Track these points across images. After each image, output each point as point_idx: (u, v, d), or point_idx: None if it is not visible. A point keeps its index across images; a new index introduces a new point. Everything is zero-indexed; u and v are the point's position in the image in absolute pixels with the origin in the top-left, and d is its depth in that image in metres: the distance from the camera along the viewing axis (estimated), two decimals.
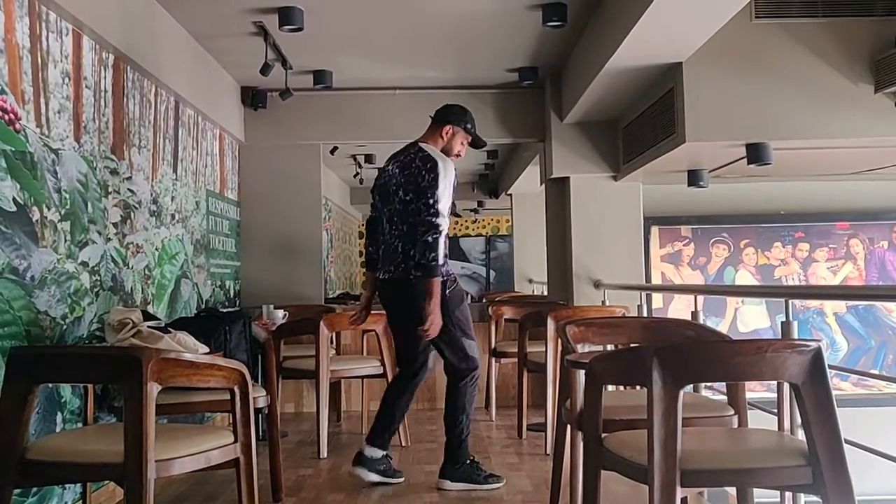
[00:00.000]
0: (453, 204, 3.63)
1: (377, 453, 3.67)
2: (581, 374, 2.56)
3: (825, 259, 8.96)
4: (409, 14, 4.59)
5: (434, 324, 3.44)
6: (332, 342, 4.80)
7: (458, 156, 3.72)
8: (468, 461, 3.65)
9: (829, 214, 8.91)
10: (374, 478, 3.66)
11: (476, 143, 3.79)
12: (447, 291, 3.53)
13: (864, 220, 8.89)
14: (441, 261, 3.47)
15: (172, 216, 4.48)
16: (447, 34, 4.96)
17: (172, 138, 4.55)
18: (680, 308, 8.20)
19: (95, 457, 2.23)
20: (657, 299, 8.31)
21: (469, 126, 3.73)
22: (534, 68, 5.67)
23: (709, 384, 3.81)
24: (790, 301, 2.74)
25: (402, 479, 3.73)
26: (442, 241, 3.49)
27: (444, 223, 3.50)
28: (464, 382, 3.62)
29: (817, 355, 1.99)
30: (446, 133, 3.68)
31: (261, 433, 3.80)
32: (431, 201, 3.46)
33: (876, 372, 8.83)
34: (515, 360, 4.83)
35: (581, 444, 2.66)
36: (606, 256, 5.86)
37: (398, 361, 3.81)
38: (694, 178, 5.91)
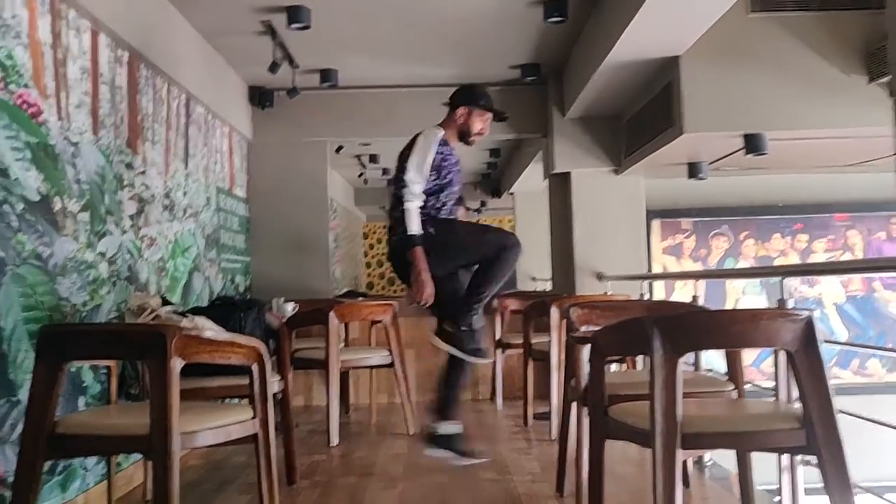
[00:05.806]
0: (441, 177, 3.57)
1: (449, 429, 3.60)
2: (585, 350, 2.66)
3: (824, 250, 9.08)
4: (413, 12, 4.70)
5: (421, 292, 3.43)
6: (340, 335, 4.89)
7: (480, 134, 3.67)
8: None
9: (827, 206, 9.01)
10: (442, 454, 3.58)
11: (497, 116, 3.71)
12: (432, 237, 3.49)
13: (861, 211, 8.99)
14: (415, 230, 3.42)
15: (184, 211, 4.59)
16: (451, 32, 5.07)
17: (184, 135, 4.66)
18: (682, 299, 8.30)
19: (122, 430, 2.31)
20: (659, 291, 8.42)
21: (483, 102, 3.66)
22: (536, 65, 5.77)
23: (710, 369, 3.91)
24: (784, 279, 2.83)
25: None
26: (413, 207, 3.44)
27: (411, 191, 3.44)
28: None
29: (809, 323, 2.09)
30: (461, 116, 3.63)
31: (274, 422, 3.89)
32: (401, 174, 3.47)
33: (870, 345, 8.93)
34: (521, 350, 4.91)
35: (586, 420, 2.76)
36: (609, 249, 5.95)
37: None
38: (694, 170, 6.02)
